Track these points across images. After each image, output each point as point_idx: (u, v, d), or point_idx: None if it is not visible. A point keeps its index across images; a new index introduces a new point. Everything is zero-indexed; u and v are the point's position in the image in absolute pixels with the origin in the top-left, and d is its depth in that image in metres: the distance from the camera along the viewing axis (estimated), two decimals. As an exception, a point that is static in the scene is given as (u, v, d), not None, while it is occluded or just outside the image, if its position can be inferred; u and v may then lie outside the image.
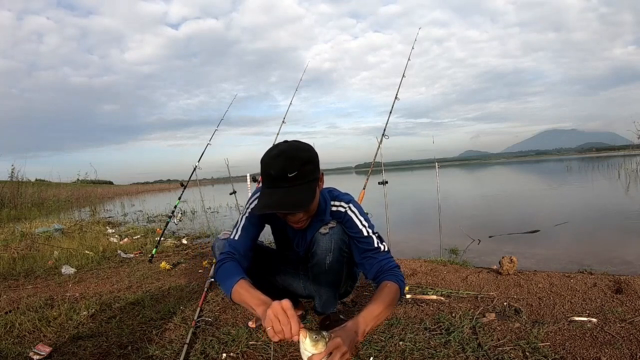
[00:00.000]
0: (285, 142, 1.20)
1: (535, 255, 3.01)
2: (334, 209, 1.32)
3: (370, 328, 1.00)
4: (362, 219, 1.29)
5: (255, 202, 1.32)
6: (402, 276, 1.17)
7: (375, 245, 1.25)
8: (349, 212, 1.30)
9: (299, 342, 0.89)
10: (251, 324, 1.64)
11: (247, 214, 1.32)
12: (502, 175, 20.49)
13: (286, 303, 0.92)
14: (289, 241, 1.47)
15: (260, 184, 1.23)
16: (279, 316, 0.90)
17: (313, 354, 0.87)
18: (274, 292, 1.52)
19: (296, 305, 1.66)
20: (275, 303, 0.93)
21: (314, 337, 0.88)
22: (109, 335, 1.63)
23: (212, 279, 2.30)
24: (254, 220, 1.31)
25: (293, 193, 1.11)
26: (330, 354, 0.86)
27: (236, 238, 1.28)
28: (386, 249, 1.26)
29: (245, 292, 1.07)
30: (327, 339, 0.88)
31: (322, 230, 1.30)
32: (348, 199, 1.34)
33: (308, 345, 0.87)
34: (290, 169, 1.09)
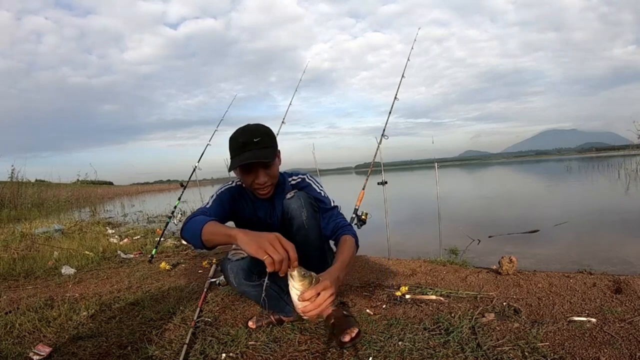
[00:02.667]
0: (248, 124, 1.43)
1: (535, 255, 3.01)
2: (293, 182, 1.52)
3: (344, 274, 1.15)
4: (318, 184, 1.52)
5: (225, 187, 1.51)
6: (354, 231, 1.39)
7: (332, 204, 1.47)
8: (307, 179, 1.53)
9: (287, 277, 0.94)
10: (251, 324, 1.63)
11: (218, 192, 1.49)
12: (502, 175, 20.49)
13: (279, 234, 0.97)
14: (261, 222, 1.53)
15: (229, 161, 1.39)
16: (275, 245, 0.92)
17: (301, 291, 0.92)
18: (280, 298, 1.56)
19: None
20: (268, 233, 0.96)
21: (302, 273, 0.93)
22: (108, 336, 1.63)
23: (212, 279, 2.30)
24: (225, 198, 1.47)
25: (259, 151, 1.32)
26: (319, 295, 0.94)
27: (208, 206, 1.43)
28: (341, 212, 1.47)
29: (219, 225, 1.16)
30: (313, 278, 0.95)
31: (288, 196, 1.39)
32: (303, 173, 1.56)
33: (296, 279, 0.92)
34: (256, 136, 1.32)
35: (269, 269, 0.92)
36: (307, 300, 0.92)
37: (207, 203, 1.46)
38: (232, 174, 1.44)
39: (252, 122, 1.48)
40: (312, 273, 0.96)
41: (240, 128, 1.38)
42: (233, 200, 1.50)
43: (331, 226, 1.40)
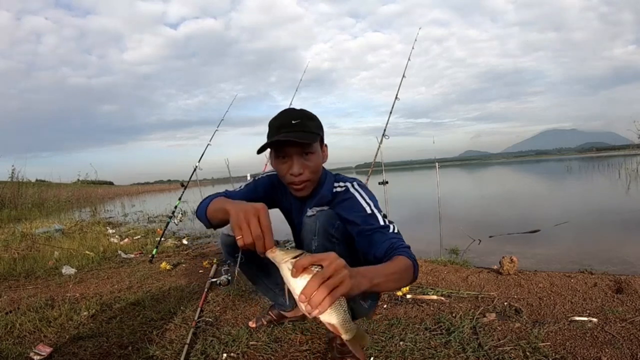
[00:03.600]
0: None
1: (536, 255, 3.00)
2: (337, 189, 1.22)
3: (376, 282, 0.78)
4: (365, 197, 1.16)
5: (265, 174, 1.35)
6: (413, 255, 0.97)
7: (382, 223, 1.07)
8: (351, 189, 1.19)
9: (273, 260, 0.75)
10: (251, 324, 1.63)
11: (257, 178, 1.34)
12: (502, 175, 20.48)
13: (262, 209, 0.81)
14: (292, 223, 1.36)
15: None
16: (250, 223, 0.78)
17: (292, 266, 0.69)
18: (279, 287, 1.50)
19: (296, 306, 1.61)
20: (249, 207, 0.81)
21: (285, 247, 0.76)
22: (109, 336, 1.63)
23: (213, 279, 2.30)
24: (260, 186, 1.31)
25: (297, 132, 1.10)
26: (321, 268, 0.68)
27: (236, 191, 1.29)
28: (396, 230, 1.06)
29: (224, 200, 1.01)
30: (302, 252, 0.73)
31: (309, 212, 1.16)
32: (352, 179, 1.25)
33: (279, 256, 0.73)
34: (295, 118, 1.12)
35: (240, 246, 0.80)
36: (301, 270, 0.68)
37: (242, 185, 1.32)
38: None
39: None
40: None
41: (280, 112, 1.19)
42: (272, 188, 1.33)
43: (384, 247, 1.00)
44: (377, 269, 0.83)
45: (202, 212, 1.12)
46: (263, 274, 1.49)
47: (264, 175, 1.35)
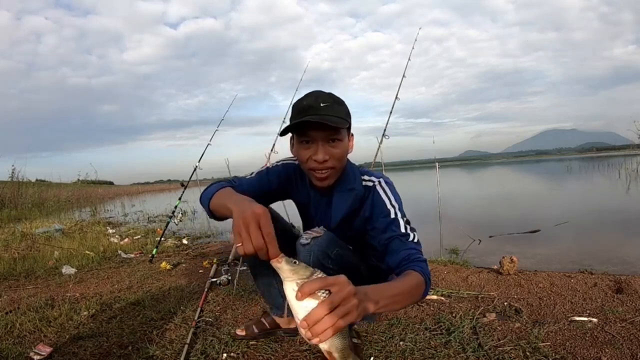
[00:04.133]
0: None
1: (536, 255, 3.00)
2: (366, 183, 1.14)
3: (382, 305, 0.72)
4: (391, 197, 1.10)
5: (282, 161, 1.25)
6: (428, 269, 0.92)
7: (403, 231, 1.02)
8: (378, 187, 1.12)
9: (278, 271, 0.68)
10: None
11: (271, 166, 1.23)
12: (502, 175, 20.48)
13: (262, 210, 0.73)
14: (311, 219, 1.25)
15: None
16: (251, 231, 0.70)
17: (298, 287, 0.63)
18: (279, 292, 1.40)
19: None
20: (249, 212, 0.72)
21: (292, 261, 0.68)
22: (109, 336, 1.63)
23: (213, 279, 2.30)
24: (274, 175, 1.20)
25: (325, 114, 1.01)
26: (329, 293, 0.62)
27: (247, 177, 1.18)
28: (416, 239, 1.02)
29: (228, 194, 0.93)
30: (312, 272, 0.67)
31: (303, 239, 1.08)
32: (379, 175, 1.17)
33: (286, 272, 0.66)
34: (323, 100, 1.03)
35: (241, 255, 0.73)
36: (307, 295, 0.61)
37: (251, 174, 1.21)
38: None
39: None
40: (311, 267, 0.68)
41: (307, 93, 1.08)
42: (287, 178, 1.22)
43: (400, 257, 0.96)
44: (385, 290, 0.76)
45: (205, 202, 1.03)
46: (266, 267, 1.34)
47: (279, 163, 1.24)
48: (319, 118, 0.99)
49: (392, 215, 1.06)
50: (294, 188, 1.23)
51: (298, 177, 1.21)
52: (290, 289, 0.65)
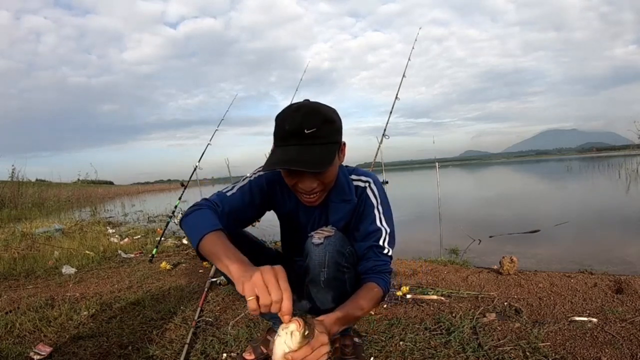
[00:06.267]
0: (307, 100, 1.03)
1: (536, 255, 3.00)
2: (357, 184, 1.13)
3: (344, 322, 0.91)
4: (379, 201, 1.11)
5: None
6: (389, 283, 1.08)
7: (380, 243, 1.08)
8: (368, 190, 1.12)
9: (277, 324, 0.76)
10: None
11: (252, 177, 1.14)
12: (503, 175, 20.48)
13: (280, 271, 0.75)
14: (302, 228, 1.18)
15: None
16: (269, 285, 0.72)
17: (291, 350, 0.72)
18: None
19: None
20: (267, 268, 0.75)
21: (306, 333, 0.73)
22: (109, 335, 1.63)
23: (213, 279, 2.30)
24: (256, 188, 1.12)
25: (309, 151, 0.94)
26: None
27: (228, 194, 1.09)
28: (390, 253, 1.11)
29: (220, 243, 0.87)
30: (311, 335, 0.75)
31: (316, 239, 1.05)
32: (369, 174, 1.15)
33: (295, 340, 0.73)
34: (308, 125, 0.93)
35: (250, 309, 0.74)
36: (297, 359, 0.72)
37: (232, 187, 1.12)
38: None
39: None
40: (309, 320, 0.77)
41: (294, 106, 0.99)
42: (271, 190, 1.15)
43: (368, 266, 1.08)
44: (345, 319, 0.92)
45: (193, 241, 0.92)
46: None
47: (261, 174, 1.15)
48: (307, 159, 0.93)
49: (377, 223, 1.10)
50: (279, 199, 1.18)
51: (283, 186, 1.12)
52: (280, 348, 0.73)
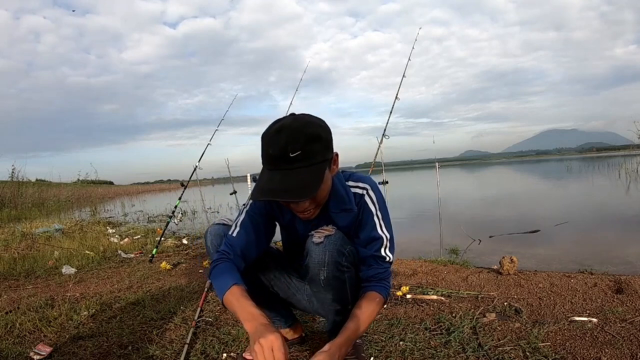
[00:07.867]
0: (292, 115, 0.99)
1: (536, 255, 3.00)
2: (355, 191, 1.12)
3: (351, 342, 0.99)
4: (378, 209, 1.11)
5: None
6: (389, 289, 1.13)
7: (382, 253, 1.11)
8: (366, 197, 1.11)
9: None
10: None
11: (247, 208, 1.16)
12: (503, 175, 20.49)
13: (277, 341, 0.84)
14: (301, 239, 1.17)
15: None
16: (266, 355, 0.83)
17: None
18: (276, 303, 1.35)
19: (293, 323, 1.43)
20: (266, 339, 0.84)
21: None
22: (109, 335, 1.63)
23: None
24: (256, 215, 1.14)
25: (294, 177, 0.93)
26: None
27: (234, 235, 1.13)
28: (390, 260, 1.13)
29: (235, 302, 0.97)
30: None
31: (316, 237, 1.07)
32: (366, 179, 1.14)
33: None
34: (292, 147, 0.91)
35: None
36: None
37: (235, 225, 1.15)
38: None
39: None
40: None
41: (275, 127, 0.95)
42: (269, 205, 1.17)
43: (371, 273, 1.11)
44: (347, 340, 0.98)
45: (219, 294, 1.01)
46: (264, 299, 1.30)
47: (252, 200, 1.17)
48: (292, 188, 0.92)
49: (378, 231, 1.11)
50: (277, 213, 1.19)
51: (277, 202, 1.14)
52: None
